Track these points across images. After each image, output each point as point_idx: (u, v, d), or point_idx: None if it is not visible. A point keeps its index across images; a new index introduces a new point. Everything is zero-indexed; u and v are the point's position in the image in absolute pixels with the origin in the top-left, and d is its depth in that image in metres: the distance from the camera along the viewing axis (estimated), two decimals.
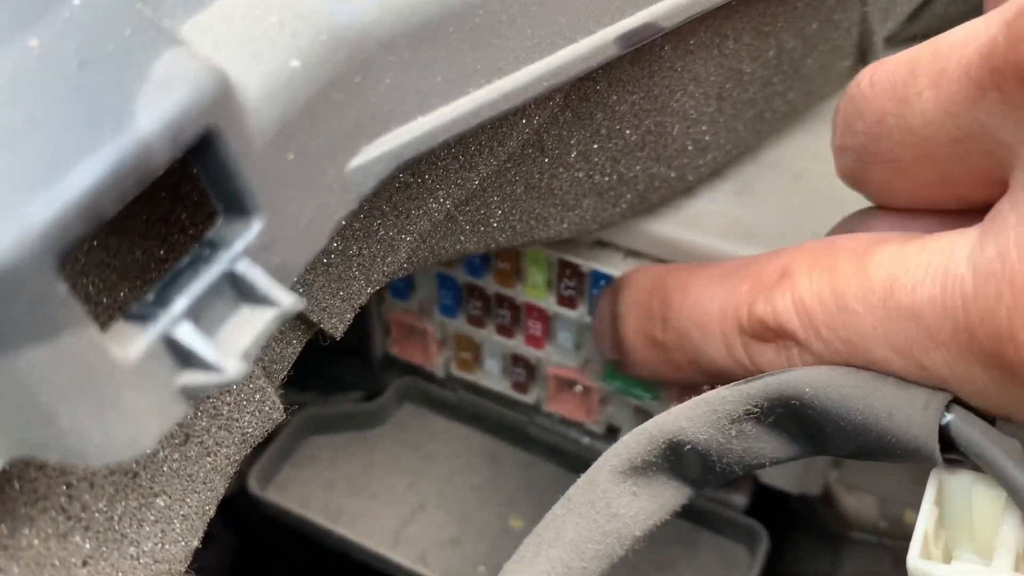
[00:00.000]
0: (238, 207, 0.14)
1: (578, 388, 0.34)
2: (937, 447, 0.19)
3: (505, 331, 0.33)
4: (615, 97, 0.23)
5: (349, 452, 0.37)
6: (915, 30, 0.33)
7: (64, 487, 0.16)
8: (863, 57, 0.30)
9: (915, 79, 0.19)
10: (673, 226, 0.29)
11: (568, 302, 0.31)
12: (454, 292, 0.33)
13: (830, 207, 0.26)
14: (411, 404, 0.38)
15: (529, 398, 0.35)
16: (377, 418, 0.37)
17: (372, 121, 0.16)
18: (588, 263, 0.29)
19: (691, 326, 0.23)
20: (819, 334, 0.20)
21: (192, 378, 0.13)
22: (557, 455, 0.36)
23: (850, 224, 0.23)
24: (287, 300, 0.14)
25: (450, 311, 0.34)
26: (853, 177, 0.22)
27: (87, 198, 0.12)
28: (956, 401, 0.19)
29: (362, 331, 0.36)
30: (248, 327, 0.14)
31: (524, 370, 0.34)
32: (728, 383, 0.22)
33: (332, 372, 0.38)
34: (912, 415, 0.19)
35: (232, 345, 0.13)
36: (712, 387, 0.22)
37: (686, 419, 0.22)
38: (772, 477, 0.33)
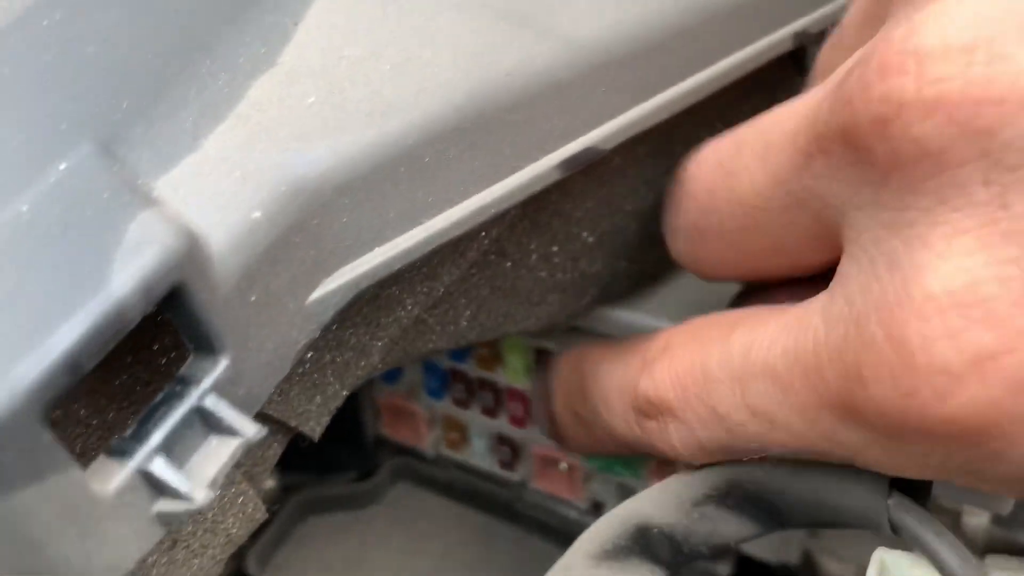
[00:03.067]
0: (206, 347, 0.16)
1: (562, 466, 0.35)
2: (886, 517, 0.20)
3: (489, 412, 0.35)
4: (569, 205, 0.24)
5: (345, 532, 0.38)
6: None
7: None
8: None
9: (741, 155, 0.20)
10: (641, 314, 0.30)
11: None
12: (439, 376, 0.35)
13: None
14: (404, 483, 0.39)
15: (516, 476, 0.36)
16: (371, 498, 0.39)
17: (330, 257, 0.18)
18: (563, 349, 0.31)
19: (599, 402, 0.25)
20: (691, 405, 0.21)
21: (165, 506, 0.15)
22: (546, 531, 0.37)
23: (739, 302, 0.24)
24: (250, 430, 0.15)
25: (436, 393, 0.35)
26: (686, 256, 0.23)
27: (69, 356, 0.13)
28: (895, 485, 0.20)
29: (354, 413, 0.38)
30: (215, 456, 0.15)
31: (509, 449, 0.35)
32: (640, 453, 0.23)
33: (327, 454, 0.39)
34: (861, 489, 0.20)
35: (201, 475, 0.15)
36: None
37: (651, 504, 0.23)
38: (751, 547, 0.34)
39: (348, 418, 0.38)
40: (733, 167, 0.20)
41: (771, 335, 0.19)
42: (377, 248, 0.19)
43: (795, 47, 0.25)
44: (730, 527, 0.23)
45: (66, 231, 0.15)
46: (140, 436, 0.15)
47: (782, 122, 0.19)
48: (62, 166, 0.16)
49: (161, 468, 0.15)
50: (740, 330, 0.20)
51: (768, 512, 0.22)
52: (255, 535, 0.36)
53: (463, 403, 0.35)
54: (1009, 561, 0.20)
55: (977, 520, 0.30)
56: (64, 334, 0.14)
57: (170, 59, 0.18)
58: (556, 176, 0.21)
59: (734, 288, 0.30)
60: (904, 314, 0.16)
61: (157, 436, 0.15)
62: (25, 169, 0.16)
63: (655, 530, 0.23)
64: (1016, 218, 0.15)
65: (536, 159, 0.20)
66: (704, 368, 0.21)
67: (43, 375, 0.13)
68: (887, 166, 0.16)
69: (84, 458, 0.17)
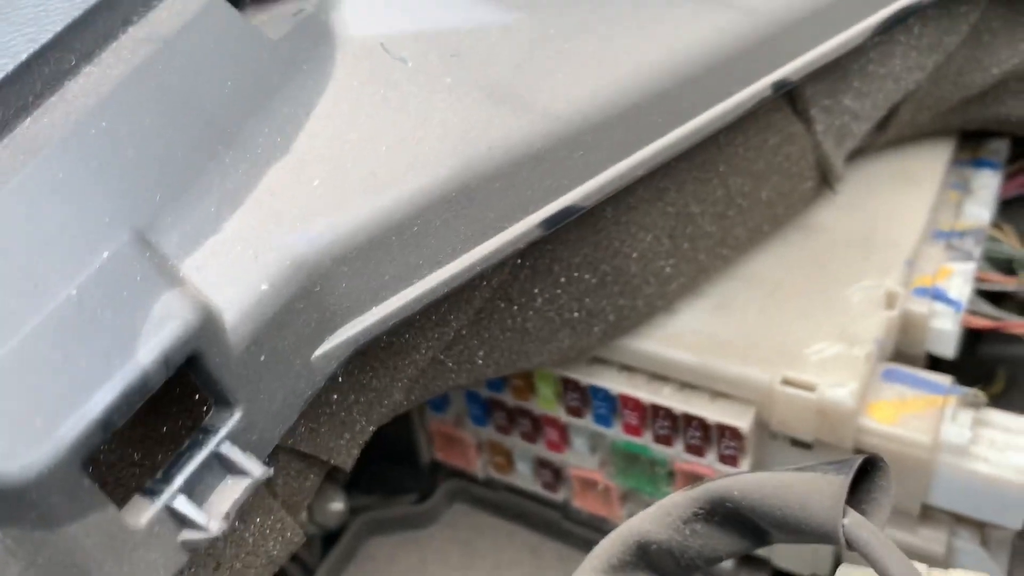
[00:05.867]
0: (222, 401, 0.19)
1: (600, 487, 0.37)
2: (841, 532, 0.22)
3: (529, 437, 0.37)
4: (567, 252, 0.27)
5: (405, 551, 0.41)
6: (887, 138, 0.36)
7: None
8: (824, 178, 0.34)
9: None
10: (657, 343, 0.32)
11: (576, 411, 0.35)
12: (480, 405, 0.37)
13: (802, 319, 0.30)
14: (459, 504, 0.42)
15: (559, 496, 0.38)
16: (429, 518, 0.42)
17: (332, 318, 0.21)
18: (586, 379, 0.33)
19: None
20: None
21: (188, 535, 0.18)
22: (592, 547, 0.39)
23: None
24: (258, 471, 0.18)
25: (480, 421, 0.38)
26: None
27: (102, 418, 0.17)
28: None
29: (410, 440, 0.41)
30: (230, 493, 0.18)
31: (550, 472, 0.38)
32: None
33: (388, 477, 0.42)
34: (819, 505, 0.22)
35: (217, 509, 0.18)
36: None
37: (648, 522, 0.25)
38: (784, 561, 0.36)
39: (405, 444, 0.41)
40: None
41: None
42: (374, 307, 0.21)
43: (775, 96, 0.27)
44: (720, 542, 0.25)
45: (104, 311, 0.18)
46: (167, 478, 0.18)
47: None
48: (105, 255, 0.20)
49: (183, 505, 0.18)
50: None
51: (749, 528, 0.24)
52: (322, 554, 0.40)
53: (505, 429, 0.37)
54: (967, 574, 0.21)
55: (1002, 534, 0.31)
56: (98, 400, 0.17)
57: (198, 153, 0.22)
58: (538, 234, 0.23)
59: (735, 316, 0.31)
60: None
61: (180, 478, 0.18)
62: (76, 258, 0.19)
63: (654, 546, 0.25)
64: None
65: (518, 220, 0.23)
66: None
67: (81, 434, 0.17)
68: None
69: (122, 491, 0.20)
